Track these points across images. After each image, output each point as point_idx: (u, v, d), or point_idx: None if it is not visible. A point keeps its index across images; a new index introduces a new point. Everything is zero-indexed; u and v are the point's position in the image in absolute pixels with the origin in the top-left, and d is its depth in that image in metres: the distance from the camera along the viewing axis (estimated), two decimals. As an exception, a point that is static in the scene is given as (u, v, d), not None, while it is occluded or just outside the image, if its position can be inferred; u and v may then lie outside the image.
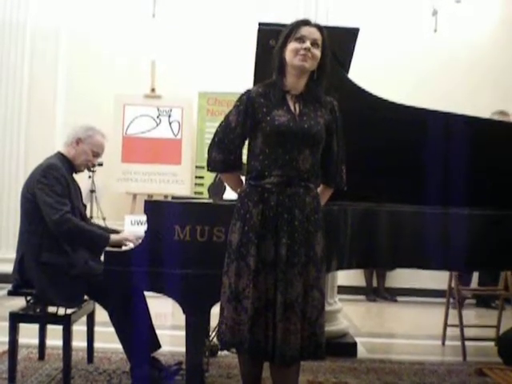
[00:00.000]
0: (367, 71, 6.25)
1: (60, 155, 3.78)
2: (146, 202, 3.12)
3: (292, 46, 2.71)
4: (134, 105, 7.34)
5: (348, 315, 5.66)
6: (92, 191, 7.01)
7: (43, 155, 3.91)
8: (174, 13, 7.40)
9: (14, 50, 7.06)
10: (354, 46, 3.46)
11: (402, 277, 7.01)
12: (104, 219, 6.91)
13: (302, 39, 2.71)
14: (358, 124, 3.43)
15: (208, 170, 2.93)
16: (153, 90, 7.36)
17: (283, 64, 2.75)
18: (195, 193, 7.26)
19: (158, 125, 7.36)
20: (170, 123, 7.37)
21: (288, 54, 2.72)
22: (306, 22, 2.77)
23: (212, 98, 7.27)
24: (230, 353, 2.83)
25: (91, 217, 6.94)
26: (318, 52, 2.73)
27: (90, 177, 6.74)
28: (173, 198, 4.98)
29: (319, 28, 2.77)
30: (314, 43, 2.71)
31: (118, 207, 7.08)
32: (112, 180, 7.22)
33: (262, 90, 2.78)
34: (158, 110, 7.36)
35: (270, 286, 2.65)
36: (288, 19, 2.96)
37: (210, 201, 3.74)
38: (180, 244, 3.02)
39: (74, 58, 7.41)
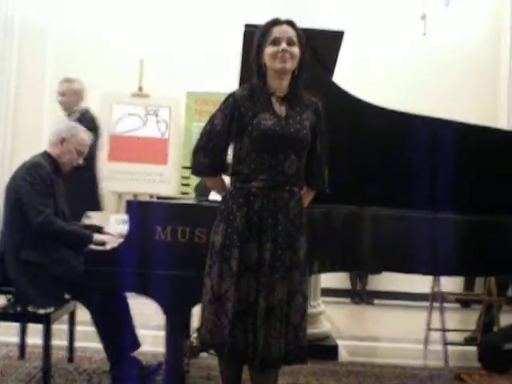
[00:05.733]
0: (355, 75, 6.29)
1: (46, 154, 3.78)
2: (127, 201, 3.13)
3: (269, 50, 2.70)
4: (121, 103, 7.31)
5: (331, 318, 5.66)
6: (77, 190, 6.98)
7: (30, 152, 3.89)
8: (163, 12, 7.38)
9: (1, 46, 7.03)
10: (338, 50, 3.46)
11: (386, 280, 7.02)
12: (88, 218, 6.88)
13: (276, 41, 2.69)
14: (343, 127, 3.42)
15: (193, 173, 2.92)
16: (140, 88, 7.34)
17: (263, 68, 2.74)
18: (181, 193, 7.24)
19: (145, 124, 7.33)
20: (157, 122, 7.34)
21: (267, 59, 2.71)
22: (276, 22, 2.75)
23: (200, 99, 7.25)
24: (209, 354, 2.82)
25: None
26: (295, 49, 2.71)
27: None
28: (158, 198, 4.97)
29: (291, 24, 2.76)
30: (289, 42, 2.70)
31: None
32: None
33: (247, 93, 2.76)
34: (146, 109, 7.33)
35: (251, 289, 2.64)
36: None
37: (193, 201, 3.73)
38: (161, 245, 3.02)
39: (61, 55, 7.36)
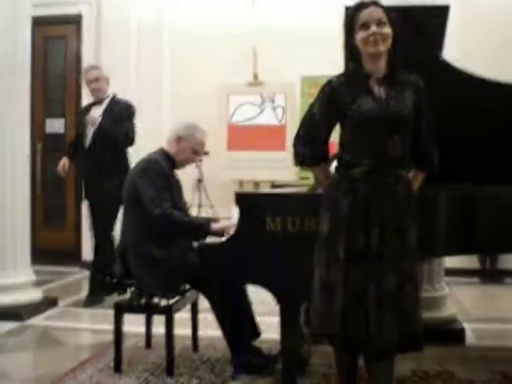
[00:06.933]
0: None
1: (162, 151, 3.88)
2: (236, 194, 3.17)
3: (359, 35, 2.64)
4: (237, 93, 7.39)
5: (459, 299, 5.50)
6: (200, 180, 7.18)
7: (150, 147, 4.01)
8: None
9: (119, 44, 7.27)
10: (445, 24, 3.32)
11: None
12: (212, 207, 7.06)
13: (366, 25, 2.63)
14: (455, 104, 3.30)
15: (295, 164, 2.91)
16: (255, 77, 7.37)
17: (357, 52, 2.69)
18: (301, 178, 7.22)
19: (262, 111, 7.37)
20: (273, 109, 7.36)
21: (359, 44, 2.65)
22: (362, 5, 2.69)
23: (313, 82, 7.17)
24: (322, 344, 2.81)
25: (200, 205, 7.11)
26: (387, 29, 2.63)
27: (197, 166, 6.89)
28: (272, 186, 5.01)
29: (377, 4, 2.68)
30: (379, 23, 2.62)
31: (225, 195, 7.09)
32: (219, 168, 7.30)
33: (344, 79, 2.73)
34: (262, 96, 7.36)
35: (360, 277, 2.60)
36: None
37: (302, 190, 3.70)
38: (271, 235, 3.03)
39: (177, 49, 7.54)
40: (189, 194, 6.68)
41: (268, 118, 7.38)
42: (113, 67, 6.84)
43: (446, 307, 4.57)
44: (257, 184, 7.33)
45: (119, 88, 6.46)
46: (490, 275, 6.81)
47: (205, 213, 6.97)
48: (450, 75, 3.35)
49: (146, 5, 7.39)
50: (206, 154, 5.08)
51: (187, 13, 7.50)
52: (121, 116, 5.59)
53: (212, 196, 7.20)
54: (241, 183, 7.40)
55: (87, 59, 7.26)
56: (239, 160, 7.34)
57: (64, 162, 5.78)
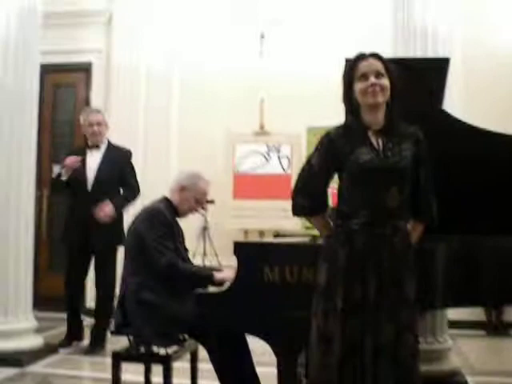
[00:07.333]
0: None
1: (165, 200, 3.89)
2: (234, 243, 3.17)
3: (358, 86, 2.68)
4: (244, 142, 7.45)
5: (464, 352, 5.42)
6: (205, 228, 7.17)
7: (158, 193, 4.03)
8: (281, 50, 7.47)
9: (128, 93, 7.38)
10: (445, 76, 3.37)
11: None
12: (216, 256, 7.03)
13: (365, 76, 2.67)
14: (456, 156, 3.32)
15: (294, 214, 2.93)
16: (262, 127, 7.44)
17: (356, 104, 2.72)
18: (306, 228, 7.21)
19: (267, 161, 7.41)
20: (279, 159, 7.40)
21: (358, 95, 2.69)
22: (360, 57, 2.74)
23: (320, 133, 7.19)
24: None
25: (204, 254, 7.08)
26: (385, 81, 2.68)
27: (202, 215, 6.89)
28: (275, 235, 5.01)
29: (376, 56, 2.73)
30: (378, 75, 2.67)
31: (230, 243, 7.07)
32: (224, 217, 7.31)
33: (342, 131, 2.76)
34: (268, 146, 7.42)
35: (357, 328, 2.59)
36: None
37: (301, 240, 3.70)
38: (269, 285, 3.01)
39: (185, 99, 7.64)
40: (193, 242, 6.67)
41: (273, 168, 7.42)
42: (121, 116, 6.99)
43: (449, 360, 4.52)
44: (262, 233, 7.32)
45: (127, 136, 6.57)
46: (495, 327, 6.72)
47: (209, 262, 6.94)
48: (450, 127, 3.38)
49: (155, 54, 7.52)
50: (211, 202, 5.08)
51: (195, 62, 7.62)
52: (120, 164, 5.62)
53: (217, 244, 7.18)
54: (246, 232, 7.39)
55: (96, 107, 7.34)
56: (245, 209, 7.34)
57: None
